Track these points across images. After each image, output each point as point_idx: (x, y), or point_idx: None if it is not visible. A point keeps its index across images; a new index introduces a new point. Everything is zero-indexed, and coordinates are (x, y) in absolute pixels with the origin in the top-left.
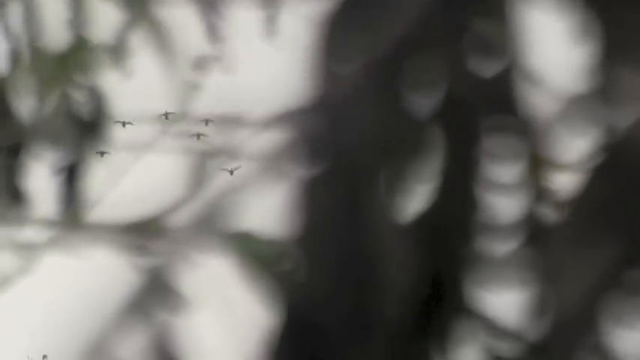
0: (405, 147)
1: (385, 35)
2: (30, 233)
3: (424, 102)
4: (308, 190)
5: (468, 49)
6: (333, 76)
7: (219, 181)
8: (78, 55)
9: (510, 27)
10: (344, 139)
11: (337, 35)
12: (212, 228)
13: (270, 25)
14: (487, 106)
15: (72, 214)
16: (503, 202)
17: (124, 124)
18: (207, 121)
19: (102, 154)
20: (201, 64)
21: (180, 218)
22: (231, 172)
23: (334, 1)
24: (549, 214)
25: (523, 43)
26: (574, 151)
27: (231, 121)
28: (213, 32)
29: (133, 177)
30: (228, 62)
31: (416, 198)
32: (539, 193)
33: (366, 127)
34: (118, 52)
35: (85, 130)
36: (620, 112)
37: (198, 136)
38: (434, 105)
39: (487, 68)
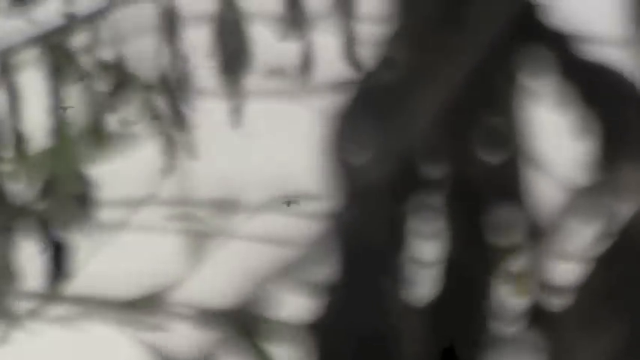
0: (415, 233)
1: (398, 127)
2: (26, 305)
3: (434, 190)
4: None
5: (477, 141)
6: (346, 166)
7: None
8: (63, 140)
9: (516, 121)
10: (359, 225)
11: (349, 128)
12: (244, 315)
13: (236, 115)
14: (494, 194)
15: (60, 288)
16: (508, 288)
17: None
18: (289, 202)
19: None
20: (170, 148)
21: (182, 295)
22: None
23: (346, 95)
24: (554, 301)
25: (528, 137)
26: (578, 240)
27: (227, 205)
28: (181, 120)
29: (131, 255)
30: (195, 149)
31: (427, 282)
32: (543, 280)
33: (380, 214)
34: (102, 136)
35: (72, 210)
36: (620, 204)
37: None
38: (443, 192)
39: (494, 158)
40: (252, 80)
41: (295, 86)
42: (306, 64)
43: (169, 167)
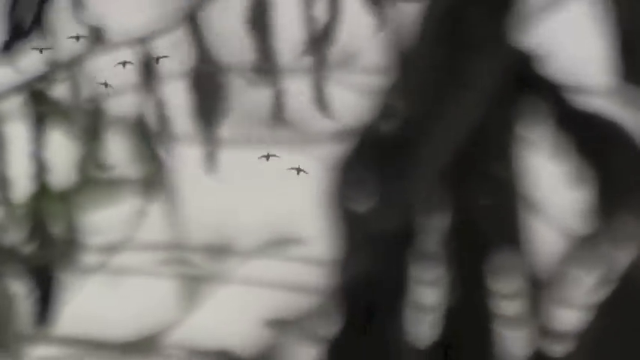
0: (417, 279)
1: (399, 175)
2: (16, 345)
3: (434, 237)
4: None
5: (477, 190)
6: (349, 215)
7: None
8: (45, 188)
9: (516, 171)
10: (362, 271)
11: (352, 176)
12: None
13: (210, 161)
14: (495, 241)
15: (49, 330)
16: (510, 334)
17: (124, 64)
18: (268, 157)
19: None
20: (148, 191)
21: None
22: (106, 85)
23: (348, 144)
24: (555, 347)
25: (527, 186)
26: (578, 287)
27: (220, 250)
28: (162, 166)
29: (125, 298)
30: (177, 193)
31: (429, 327)
32: (544, 327)
33: (382, 261)
34: (85, 182)
35: (60, 254)
36: (618, 252)
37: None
38: (445, 239)
39: (495, 206)
40: (238, 128)
41: (286, 134)
42: (279, 111)
43: (150, 211)
